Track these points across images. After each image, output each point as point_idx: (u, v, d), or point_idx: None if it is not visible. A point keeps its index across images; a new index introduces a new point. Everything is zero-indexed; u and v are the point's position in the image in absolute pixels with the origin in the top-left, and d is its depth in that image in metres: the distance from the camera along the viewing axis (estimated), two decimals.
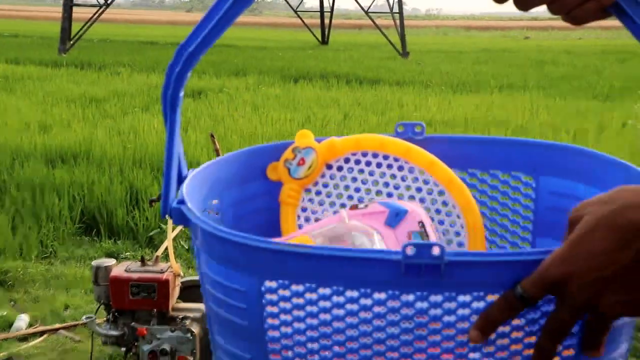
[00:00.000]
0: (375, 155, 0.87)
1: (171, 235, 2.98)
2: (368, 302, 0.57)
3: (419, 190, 0.85)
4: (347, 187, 0.88)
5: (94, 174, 5.38)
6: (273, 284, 0.60)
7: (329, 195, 0.88)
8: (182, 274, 2.97)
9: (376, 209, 0.76)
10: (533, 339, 0.58)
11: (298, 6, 23.93)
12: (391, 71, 11.96)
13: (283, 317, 0.61)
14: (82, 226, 4.85)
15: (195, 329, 2.70)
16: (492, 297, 0.56)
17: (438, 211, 0.84)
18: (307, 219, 0.88)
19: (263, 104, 8.64)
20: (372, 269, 0.55)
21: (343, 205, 0.87)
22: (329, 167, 0.88)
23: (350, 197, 0.88)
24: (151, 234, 4.03)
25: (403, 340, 0.59)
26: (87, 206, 4.97)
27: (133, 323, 2.69)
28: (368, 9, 19.50)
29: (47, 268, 4.32)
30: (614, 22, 0.71)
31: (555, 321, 0.57)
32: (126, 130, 6.79)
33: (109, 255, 4.59)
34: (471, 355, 0.58)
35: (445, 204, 0.83)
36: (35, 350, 3.34)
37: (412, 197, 0.85)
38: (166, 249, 2.68)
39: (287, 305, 0.60)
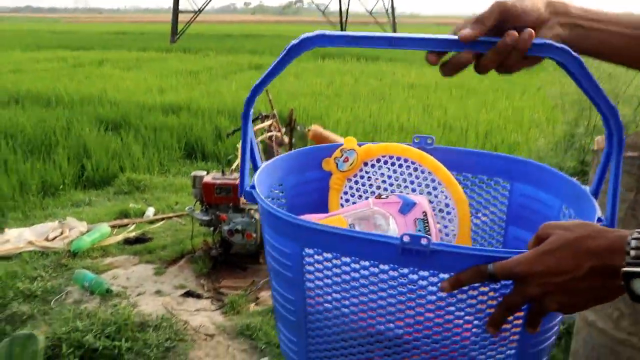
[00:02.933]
0: (398, 158, 1.01)
1: (240, 156, 4.31)
2: (375, 270, 0.70)
3: (427, 185, 1.01)
4: (376, 179, 1.03)
5: (192, 119, 7.26)
6: (310, 251, 0.73)
7: (363, 184, 1.02)
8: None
9: (393, 199, 0.88)
10: (493, 302, 0.69)
11: (325, 9, 38.91)
12: (386, 51, 14.39)
13: (317, 273, 0.74)
14: (185, 153, 6.42)
15: (257, 216, 3.42)
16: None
17: (438, 202, 0.98)
18: (346, 200, 1.03)
19: (301, 74, 11.65)
20: (379, 248, 0.68)
21: (373, 193, 1.02)
22: (365, 164, 1.02)
23: (378, 187, 1.03)
24: (229, 157, 4.71)
25: (398, 299, 0.71)
26: (188, 140, 6.66)
27: (217, 212, 3.52)
28: (371, 10, 32.22)
29: (164, 179, 5.52)
30: None
31: (509, 301, 0.68)
32: (213, 92, 8.64)
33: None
34: (444, 309, 0.70)
35: (445, 196, 0.97)
36: (159, 229, 4.24)
37: (421, 191, 0.99)
38: (238, 164, 3.51)
39: (320, 266, 0.74)
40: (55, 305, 3.11)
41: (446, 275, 0.69)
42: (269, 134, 4.06)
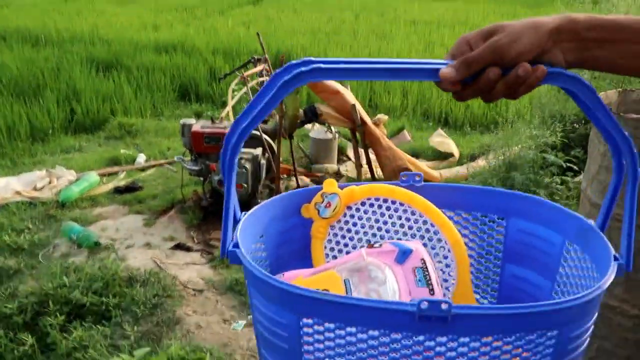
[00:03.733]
0: (385, 200, 0.94)
1: (230, 103, 3.66)
2: (386, 339, 0.64)
3: (419, 229, 0.93)
4: (363, 225, 0.95)
5: (186, 59, 6.93)
6: (310, 321, 0.66)
7: (349, 231, 0.96)
8: None
9: (388, 248, 0.82)
10: None
11: None
12: None
13: (317, 344, 0.67)
14: (179, 94, 6.22)
15: (248, 165, 3.35)
16: (485, 339, 0.63)
17: (433, 247, 0.91)
18: (331, 249, 0.96)
19: (301, 9, 11.10)
20: (392, 316, 0.61)
21: (360, 240, 0.96)
22: (349, 208, 0.95)
23: (365, 234, 0.96)
24: (223, 99, 4.72)
25: None
26: (182, 81, 6.35)
27: (207, 161, 3.42)
28: None
29: (157, 123, 5.38)
30: None
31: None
32: (208, 28, 8.26)
33: (196, 113, 5.55)
34: None
35: (439, 240, 0.91)
36: (149, 177, 4.17)
37: (413, 235, 0.93)
38: (228, 112, 3.47)
39: (321, 337, 0.67)
40: (42, 259, 3.07)
41: (467, 339, 0.63)
42: (261, 79, 3.92)
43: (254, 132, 3.70)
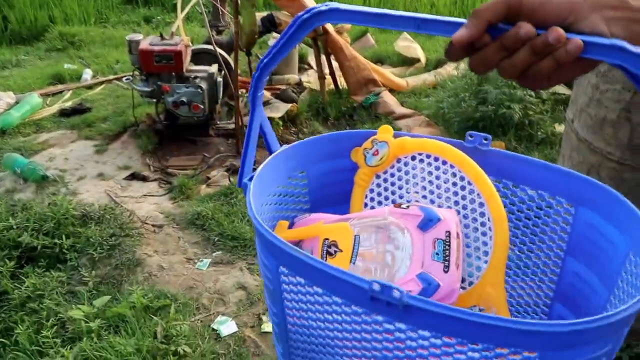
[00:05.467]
0: (436, 159, 0.87)
1: (181, 16, 3.26)
2: (348, 309, 0.63)
3: (463, 197, 0.84)
4: (408, 181, 0.89)
5: None
6: (285, 270, 0.68)
7: (393, 184, 0.90)
8: (191, 45, 3.30)
9: (414, 211, 0.76)
10: None
11: None
12: None
13: (292, 295, 0.70)
14: None
15: (204, 85, 3.13)
16: (447, 339, 0.57)
17: (474, 219, 0.83)
18: (372, 199, 0.91)
19: None
20: (348, 288, 0.60)
21: (401, 196, 0.90)
22: (399, 160, 0.90)
23: (408, 191, 0.89)
24: (173, 1, 4.30)
25: (374, 346, 0.64)
26: None
27: (159, 82, 3.15)
28: None
29: (103, 31, 4.99)
30: None
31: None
32: None
33: (145, 19, 5.21)
34: None
35: (482, 214, 0.82)
36: (98, 96, 3.88)
37: (457, 202, 0.84)
38: (178, 27, 3.16)
39: (294, 288, 0.69)
40: None
41: (427, 334, 0.58)
42: None
43: (208, 47, 3.42)
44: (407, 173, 0.90)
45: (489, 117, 3.09)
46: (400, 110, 3.82)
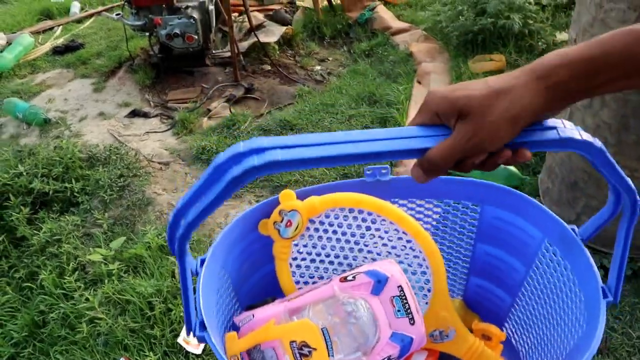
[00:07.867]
0: (351, 210, 0.86)
1: None
2: None
3: (390, 239, 0.86)
4: (329, 239, 0.88)
5: None
6: None
7: (314, 246, 0.88)
8: None
9: (362, 280, 0.76)
10: None
11: None
12: None
13: None
14: None
15: (196, 14, 3.09)
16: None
17: (407, 255, 0.86)
18: (298, 266, 0.88)
19: None
20: None
21: (328, 255, 0.88)
22: (312, 221, 0.86)
23: (333, 248, 0.88)
24: None
25: None
26: None
27: (150, 15, 3.12)
28: None
29: None
30: None
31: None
32: None
33: None
34: None
35: (412, 249, 0.85)
36: (89, 30, 3.81)
37: (385, 244, 0.86)
38: None
39: None
40: None
41: None
42: None
43: None
44: (325, 231, 0.88)
45: (488, 30, 3.03)
46: (396, 24, 3.75)
